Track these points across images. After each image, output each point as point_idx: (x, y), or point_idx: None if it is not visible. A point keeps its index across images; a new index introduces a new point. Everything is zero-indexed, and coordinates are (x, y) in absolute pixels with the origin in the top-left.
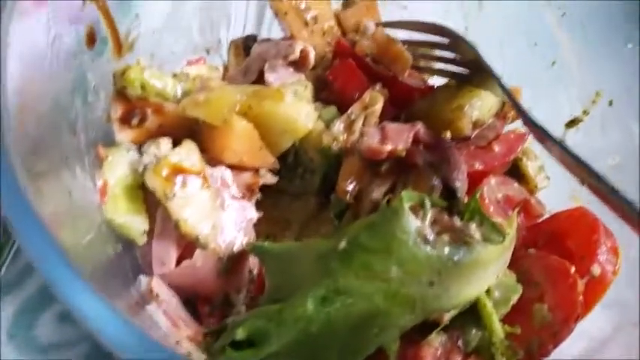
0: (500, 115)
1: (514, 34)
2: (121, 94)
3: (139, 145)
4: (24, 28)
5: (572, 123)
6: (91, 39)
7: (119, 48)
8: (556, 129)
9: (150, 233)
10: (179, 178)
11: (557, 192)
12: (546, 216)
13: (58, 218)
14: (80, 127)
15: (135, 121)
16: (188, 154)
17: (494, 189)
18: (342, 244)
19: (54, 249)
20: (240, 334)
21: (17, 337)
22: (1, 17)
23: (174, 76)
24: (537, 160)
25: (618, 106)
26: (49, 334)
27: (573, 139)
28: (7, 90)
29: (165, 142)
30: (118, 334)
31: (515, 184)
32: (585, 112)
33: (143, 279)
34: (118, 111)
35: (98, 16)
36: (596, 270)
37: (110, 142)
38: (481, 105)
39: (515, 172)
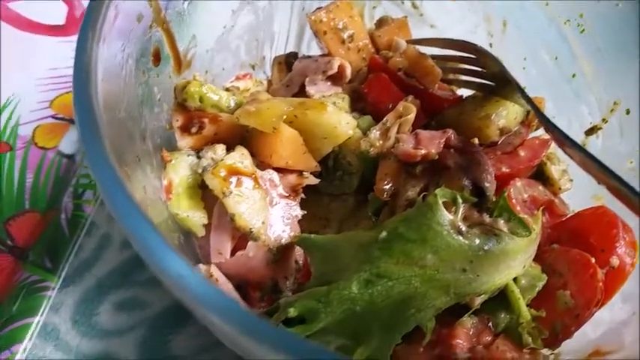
0: (525, 123)
1: (536, 49)
2: (181, 105)
3: (198, 150)
4: (105, 50)
5: (591, 130)
6: (157, 57)
7: (179, 65)
8: (577, 135)
9: (208, 227)
10: (234, 179)
11: (580, 193)
12: (570, 215)
13: (142, 203)
14: (148, 134)
15: (194, 129)
16: (241, 158)
17: (520, 190)
18: (383, 234)
19: (148, 222)
20: (292, 312)
21: (80, 323)
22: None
23: (227, 89)
24: (561, 164)
25: (635, 115)
26: (108, 321)
27: (594, 145)
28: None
29: (221, 148)
30: (206, 290)
31: (540, 187)
32: (604, 120)
33: (202, 267)
34: (179, 120)
35: (162, 37)
36: (615, 261)
37: (173, 148)
38: (507, 114)
39: (541, 175)
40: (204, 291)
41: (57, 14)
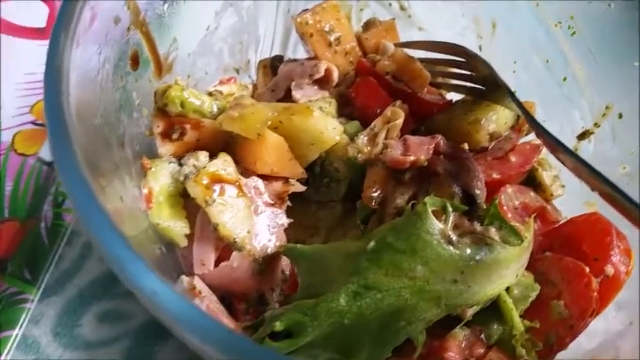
0: (516, 128)
1: (526, 52)
2: (161, 111)
3: (179, 157)
4: (79, 53)
5: (583, 135)
6: (135, 61)
7: (160, 69)
8: (568, 141)
9: (190, 237)
10: (217, 187)
11: (572, 199)
12: (562, 221)
13: (117, 215)
14: (127, 141)
15: (175, 136)
16: (224, 165)
17: (511, 197)
18: (371, 245)
19: (121, 236)
20: (278, 326)
21: (61, 335)
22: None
23: (210, 94)
24: (552, 170)
25: (628, 119)
26: (90, 333)
27: (586, 150)
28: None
29: (203, 155)
30: (181, 308)
31: (532, 193)
32: (596, 125)
33: (185, 278)
34: (159, 126)
35: (140, 40)
36: (609, 270)
37: (153, 155)
38: (497, 118)
39: (532, 181)
40: (179, 309)
41: (38, 17)
